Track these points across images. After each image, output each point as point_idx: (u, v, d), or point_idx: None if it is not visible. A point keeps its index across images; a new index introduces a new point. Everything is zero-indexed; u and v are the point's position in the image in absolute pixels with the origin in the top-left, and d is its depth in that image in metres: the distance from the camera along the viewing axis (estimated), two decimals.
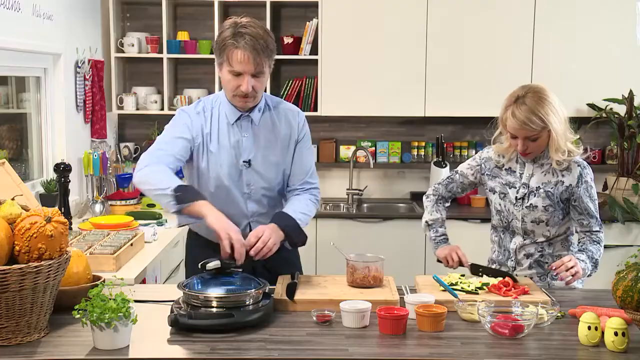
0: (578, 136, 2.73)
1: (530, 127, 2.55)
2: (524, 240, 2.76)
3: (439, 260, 2.84)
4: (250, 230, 2.55)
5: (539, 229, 2.72)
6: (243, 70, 2.45)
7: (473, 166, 2.84)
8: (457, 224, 4.37)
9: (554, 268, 2.56)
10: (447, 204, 2.95)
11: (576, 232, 2.78)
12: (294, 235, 2.52)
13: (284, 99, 4.77)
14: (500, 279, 2.53)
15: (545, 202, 2.67)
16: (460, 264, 2.73)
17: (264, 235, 2.40)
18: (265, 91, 2.65)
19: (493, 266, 2.85)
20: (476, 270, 2.65)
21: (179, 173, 2.61)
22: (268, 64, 2.50)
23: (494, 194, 2.78)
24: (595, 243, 2.71)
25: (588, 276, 2.70)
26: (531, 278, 2.71)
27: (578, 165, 2.68)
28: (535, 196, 2.68)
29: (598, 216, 2.73)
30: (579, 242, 2.76)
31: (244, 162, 2.59)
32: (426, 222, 2.90)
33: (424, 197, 2.96)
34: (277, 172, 2.65)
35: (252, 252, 2.37)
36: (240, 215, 2.62)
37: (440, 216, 2.89)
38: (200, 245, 2.73)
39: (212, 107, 2.62)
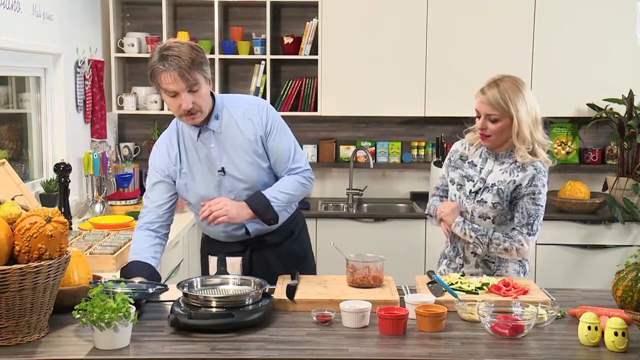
0: (550, 142, 2.75)
1: (492, 105, 2.62)
2: None
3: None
4: (247, 232, 2.73)
5: (484, 225, 2.73)
6: (177, 90, 2.48)
7: (446, 164, 2.90)
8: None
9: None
10: None
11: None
12: (262, 213, 2.62)
13: (284, 99, 4.86)
14: (501, 279, 2.52)
15: (495, 199, 2.69)
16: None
17: (214, 203, 2.56)
18: (216, 97, 2.67)
19: (443, 261, 2.90)
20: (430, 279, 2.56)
21: (172, 205, 2.75)
22: (201, 75, 2.51)
23: (453, 184, 2.83)
24: (508, 238, 2.68)
25: (474, 252, 2.74)
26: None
27: (535, 169, 2.67)
28: (487, 192, 2.71)
29: (535, 226, 2.67)
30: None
31: (218, 171, 2.66)
32: (426, 213, 2.95)
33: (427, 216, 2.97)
34: (254, 170, 2.68)
35: (201, 216, 2.56)
36: (232, 222, 2.66)
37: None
38: (209, 241, 2.90)
39: (177, 130, 2.71)
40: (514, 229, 2.69)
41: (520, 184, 2.66)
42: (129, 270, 2.50)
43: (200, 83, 2.51)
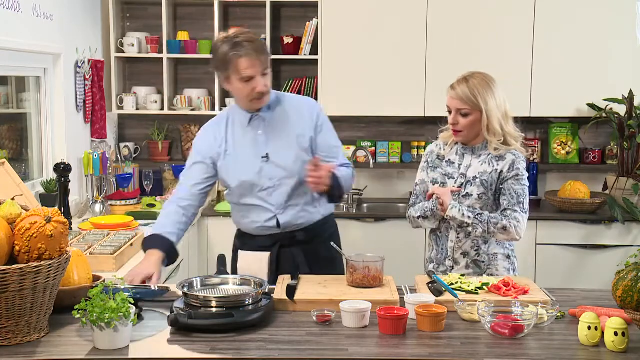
0: (523, 135, 2.83)
1: (462, 100, 2.70)
2: (458, 234, 2.79)
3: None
4: (278, 224, 2.81)
5: None
6: (253, 73, 2.66)
7: (423, 167, 2.92)
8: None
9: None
10: None
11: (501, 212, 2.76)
12: (335, 188, 2.71)
13: None
14: (501, 279, 2.53)
15: (480, 190, 2.74)
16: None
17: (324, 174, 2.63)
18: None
19: (430, 266, 2.90)
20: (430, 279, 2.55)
21: (206, 187, 2.85)
22: (268, 60, 2.73)
23: (434, 184, 2.84)
24: (504, 217, 2.70)
25: (476, 234, 2.73)
26: None
27: (513, 155, 2.76)
28: (471, 185, 2.76)
29: (525, 204, 2.73)
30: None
31: (262, 157, 2.76)
32: (418, 216, 2.88)
33: (408, 219, 2.94)
34: (297, 162, 2.76)
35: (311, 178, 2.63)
36: (263, 210, 2.80)
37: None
38: (241, 235, 2.97)
39: (226, 117, 2.85)
40: (505, 209, 2.72)
41: (502, 171, 2.73)
42: (150, 242, 2.66)
43: (269, 68, 2.73)
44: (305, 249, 2.86)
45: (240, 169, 2.77)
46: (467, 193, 2.75)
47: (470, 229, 2.73)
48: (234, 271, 2.84)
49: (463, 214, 2.70)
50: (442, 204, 2.72)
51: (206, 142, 2.82)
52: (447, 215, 2.73)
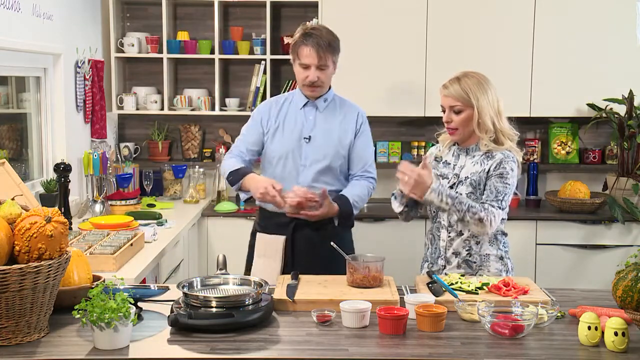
0: (518, 134, 2.84)
1: (454, 97, 2.75)
2: (449, 233, 2.81)
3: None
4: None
5: None
6: (309, 63, 3.00)
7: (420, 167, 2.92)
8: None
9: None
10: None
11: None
12: (345, 218, 3.02)
13: None
14: (501, 279, 2.53)
15: (469, 189, 2.76)
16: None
17: (318, 210, 2.92)
18: (332, 87, 3.19)
19: (425, 265, 2.93)
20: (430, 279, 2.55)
21: (255, 155, 3.18)
22: (332, 59, 3.05)
23: None
24: (484, 209, 2.66)
25: (457, 219, 2.71)
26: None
27: (502, 154, 2.76)
28: (461, 185, 2.79)
29: (504, 201, 2.71)
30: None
31: (304, 138, 3.07)
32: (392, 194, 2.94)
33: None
34: (332, 150, 3.06)
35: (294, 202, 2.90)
36: (293, 185, 2.99)
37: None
38: (261, 218, 3.21)
39: (285, 97, 3.19)
40: (483, 203, 2.71)
41: (489, 169, 2.75)
42: (240, 172, 3.02)
43: (328, 65, 3.05)
44: (321, 232, 3.02)
45: (280, 143, 3.07)
46: (458, 192, 2.76)
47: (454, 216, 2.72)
48: (250, 255, 3.15)
49: (442, 199, 2.66)
50: (414, 186, 2.67)
51: (264, 112, 3.14)
52: (424, 199, 2.69)
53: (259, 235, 3.13)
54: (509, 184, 2.74)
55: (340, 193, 3.05)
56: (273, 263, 3.04)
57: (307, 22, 3.14)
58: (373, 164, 3.19)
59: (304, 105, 3.12)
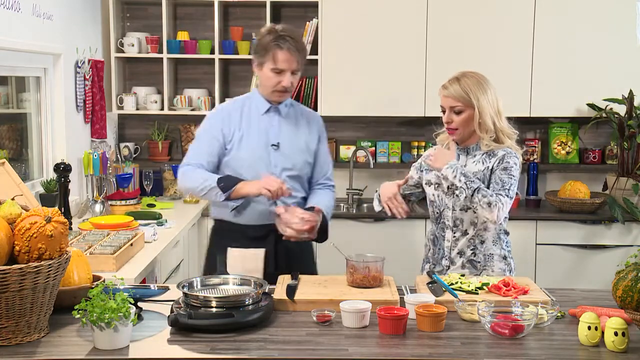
0: (517, 133, 2.85)
1: (454, 97, 2.74)
2: (454, 233, 2.81)
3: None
4: (276, 206, 2.86)
5: (466, 217, 2.79)
6: (287, 68, 2.83)
7: (416, 167, 2.99)
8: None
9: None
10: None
11: None
12: (324, 231, 2.92)
13: None
14: (501, 279, 2.53)
15: None
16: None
17: (313, 229, 2.80)
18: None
19: (427, 265, 2.93)
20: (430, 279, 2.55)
21: (213, 167, 2.94)
22: (302, 63, 2.90)
23: (430, 186, 2.89)
24: (493, 192, 2.68)
25: (465, 196, 2.72)
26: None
27: (504, 151, 2.78)
28: None
29: (510, 190, 2.72)
30: None
31: (272, 145, 2.91)
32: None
33: None
34: (302, 158, 2.95)
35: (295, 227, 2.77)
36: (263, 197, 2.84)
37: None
38: (223, 231, 2.99)
39: (243, 101, 2.99)
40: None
41: (493, 166, 2.76)
42: (230, 179, 2.80)
43: (300, 69, 2.89)
44: (297, 243, 2.88)
45: (244, 155, 2.88)
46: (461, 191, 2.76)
47: (462, 196, 2.74)
48: (222, 271, 2.78)
49: (455, 176, 2.69)
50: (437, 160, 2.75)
51: (221, 120, 2.92)
52: (441, 173, 2.75)
53: (232, 250, 2.88)
54: (514, 176, 2.74)
55: (314, 206, 2.89)
56: None
57: (272, 24, 2.95)
58: (332, 171, 3.12)
59: (267, 111, 2.94)
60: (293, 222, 2.75)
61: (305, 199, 2.99)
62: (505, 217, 2.80)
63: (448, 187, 2.80)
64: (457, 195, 2.77)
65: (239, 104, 2.97)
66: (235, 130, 2.90)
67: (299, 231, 2.76)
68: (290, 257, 2.91)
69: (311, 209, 2.85)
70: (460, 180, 2.69)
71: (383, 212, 2.90)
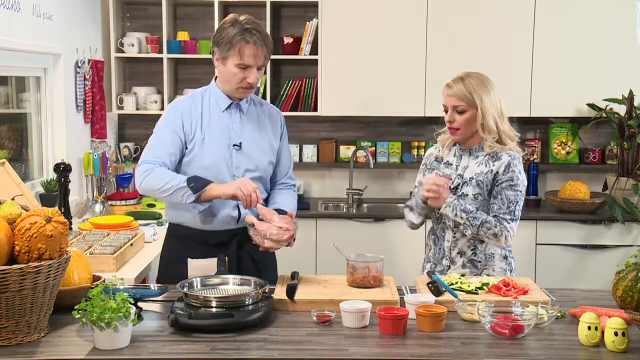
0: (518, 134, 2.85)
1: (458, 97, 2.74)
2: (454, 234, 2.81)
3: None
4: (239, 211, 2.70)
5: None
6: (253, 64, 2.63)
7: (421, 169, 2.97)
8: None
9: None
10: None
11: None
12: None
13: (284, 99, 4.87)
14: (501, 279, 2.53)
15: (475, 190, 2.76)
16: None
17: (292, 236, 2.61)
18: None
19: (427, 265, 2.92)
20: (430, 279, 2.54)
21: (174, 165, 2.72)
22: (268, 58, 2.71)
23: None
24: (498, 223, 2.70)
25: (464, 233, 2.74)
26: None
27: (509, 156, 2.78)
28: (467, 185, 2.78)
29: (517, 211, 2.74)
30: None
31: (234, 145, 2.71)
32: (405, 205, 2.94)
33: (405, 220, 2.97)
34: (264, 159, 2.77)
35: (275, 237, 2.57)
36: (225, 200, 2.66)
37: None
38: (180, 237, 2.78)
39: (202, 96, 2.78)
40: (495, 216, 2.73)
41: (498, 172, 2.75)
42: (200, 180, 2.58)
43: (266, 63, 2.72)
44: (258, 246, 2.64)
45: (207, 155, 2.68)
46: (463, 193, 2.77)
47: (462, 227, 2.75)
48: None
49: (456, 214, 2.71)
50: (436, 198, 2.73)
51: (182, 115, 2.70)
52: (440, 212, 2.77)
53: (192, 261, 2.68)
54: (520, 191, 2.75)
55: (287, 210, 2.69)
56: None
57: (234, 14, 2.67)
58: (292, 170, 2.92)
59: (228, 108, 2.74)
60: (272, 232, 2.55)
61: (265, 200, 2.79)
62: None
63: (455, 225, 2.78)
64: (458, 197, 2.76)
65: (199, 98, 2.75)
66: (196, 128, 2.69)
67: (278, 242, 2.57)
68: (256, 262, 2.74)
69: (283, 212, 2.66)
70: (462, 218, 2.70)
71: (409, 205, 2.88)
